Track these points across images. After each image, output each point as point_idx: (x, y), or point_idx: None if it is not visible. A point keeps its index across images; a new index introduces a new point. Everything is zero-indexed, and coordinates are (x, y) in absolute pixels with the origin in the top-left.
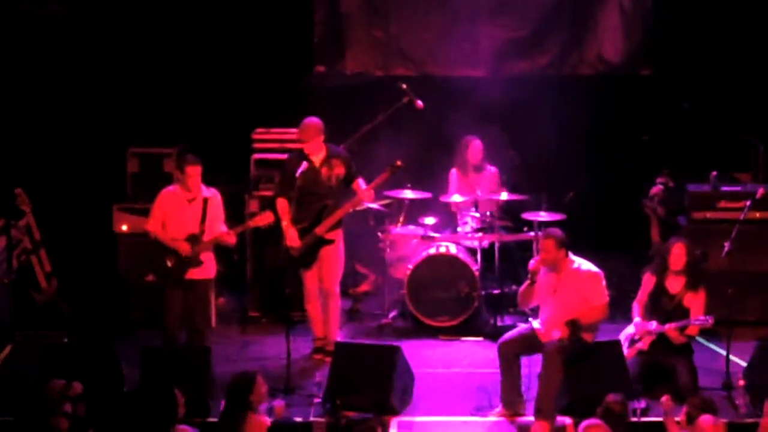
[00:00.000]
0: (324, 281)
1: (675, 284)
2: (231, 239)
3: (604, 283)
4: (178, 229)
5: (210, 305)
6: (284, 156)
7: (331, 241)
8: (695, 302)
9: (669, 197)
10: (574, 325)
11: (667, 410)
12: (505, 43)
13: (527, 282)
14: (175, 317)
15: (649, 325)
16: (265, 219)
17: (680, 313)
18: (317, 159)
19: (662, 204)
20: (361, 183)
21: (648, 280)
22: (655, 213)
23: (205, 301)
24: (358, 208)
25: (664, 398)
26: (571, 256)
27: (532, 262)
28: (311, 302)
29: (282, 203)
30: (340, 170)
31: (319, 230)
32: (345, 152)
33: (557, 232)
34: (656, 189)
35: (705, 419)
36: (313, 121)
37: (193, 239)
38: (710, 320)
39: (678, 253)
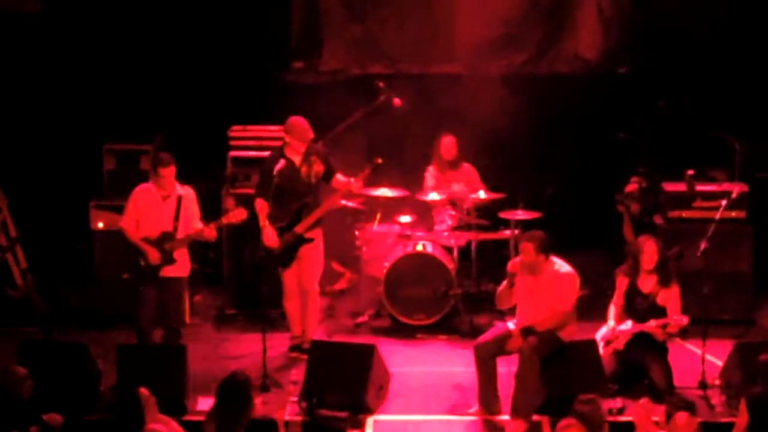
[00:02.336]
0: (304, 280)
1: (647, 283)
2: (211, 233)
3: (576, 289)
4: (152, 226)
5: (184, 302)
6: (261, 153)
7: (310, 240)
8: (670, 299)
9: (644, 196)
10: (527, 333)
11: (647, 412)
12: (482, 40)
13: (505, 283)
14: (150, 315)
15: (625, 325)
16: (238, 215)
17: (655, 311)
18: (297, 157)
19: (638, 202)
20: (340, 177)
21: (621, 282)
22: (629, 211)
23: (180, 298)
24: (336, 207)
25: (644, 400)
26: (553, 258)
27: (510, 263)
28: (290, 300)
29: (261, 204)
30: (319, 167)
31: (299, 229)
32: (323, 148)
33: (538, 234)
34: (631, 186)
35: (680, 416)
36: (302, 121)
37: (167, 237)
38: (685, 320)
39: (650, 252)
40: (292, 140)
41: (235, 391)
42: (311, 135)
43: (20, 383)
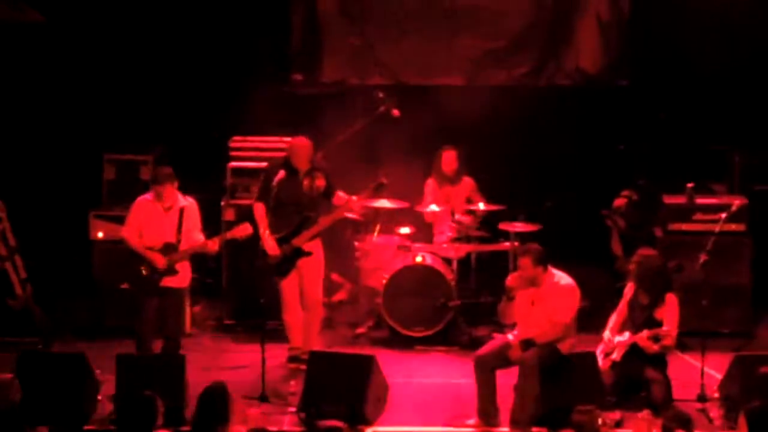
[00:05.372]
0: (307, 291)
1: (645, 296)
2: (213, 247)
3: (576, 301)
4: (154, 237)
5: (184, 313)
6: (261, 164)
7: (308, 253)
8: (666, 313)
9: (632, 211)
10: (527, 345)
11: (648, 424)
12: (483, 52)
13: (504, 297)
14: (150, 325)
15: (622, 337)
16: (242, 231)
17: (651, 324)
18: (300, 170)
19: (623, 217)
20: (341, 195)
21: (629, 290)
22: (617, 225)
23: (180, 309)
24: (337, 219)
25: (644, 413)
26: (552, 270)
27: (509, 278)
28: (289, 312)
29: (260, 208)
30: (321, 182)
31: (297, 241)
32: (327, 165)
33: (535, 248)
34: (619, 201)
35: None
36: (305, 143)
37: (169, 248)
38: (673, 332)
39: (633, 263)
40: (293, 159)
41: (212, 403)
42: (307, 165)
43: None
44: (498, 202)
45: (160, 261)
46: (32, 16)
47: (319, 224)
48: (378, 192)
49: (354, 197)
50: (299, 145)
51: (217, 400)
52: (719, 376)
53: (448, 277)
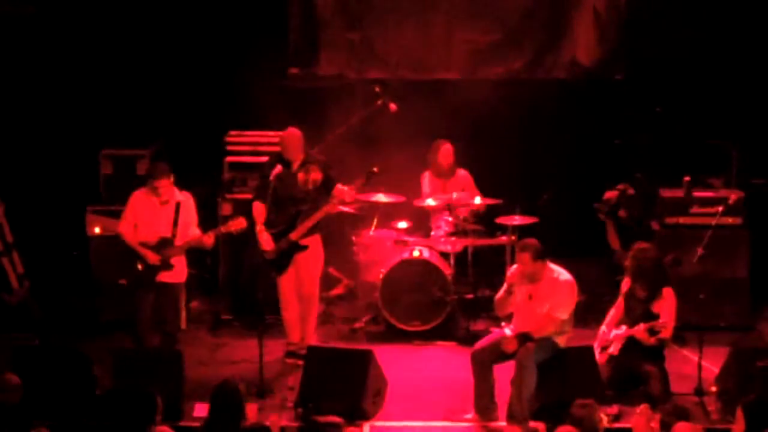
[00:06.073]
0: (304, 285)
1: (642, 290)
2: (208, 241)
3: (574, 296)
4: (150, 232)
5: (181, 308)
6: (257, 159)
7: (305, 247)
8: (663, 306)
9: (629, 203)
10: (524, 339)
11: (647, 419)
12: (480, 46)
13: (504, 290)
14: (146, 320)
15: (619, 330)
16: (237, 224)
17: (648, 317)
18: (294, 163)
19: (624, 208)
20: (341, 187)
21: (625, 284)
22: (613, 218)
23: (176, 304)
24: (333, 212)
25: (643, 407)
26: (551, 265)
27: (510, 272)
28: (287, 309)
29: (258, 207)
30: (316, 176)
31: (293, 235)
32: (322, 157)
33: (533, 243)
34: (610, 194)
35: (681, 426)
36: (296, 134)
37: (165, 243)
38: (669, 324)
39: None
40: (284, 152)
41: (227, 400)
42: (301, 155)
43: (12, 391)
44: (495, 195)
45: (152, 258)
46: (26, 9)
47: (313, 217)
48: (368, 180)
49: (346, 187)
50: (289, 136)
51: (231, 400)
52: (717, 370)
53: (445, 272)
